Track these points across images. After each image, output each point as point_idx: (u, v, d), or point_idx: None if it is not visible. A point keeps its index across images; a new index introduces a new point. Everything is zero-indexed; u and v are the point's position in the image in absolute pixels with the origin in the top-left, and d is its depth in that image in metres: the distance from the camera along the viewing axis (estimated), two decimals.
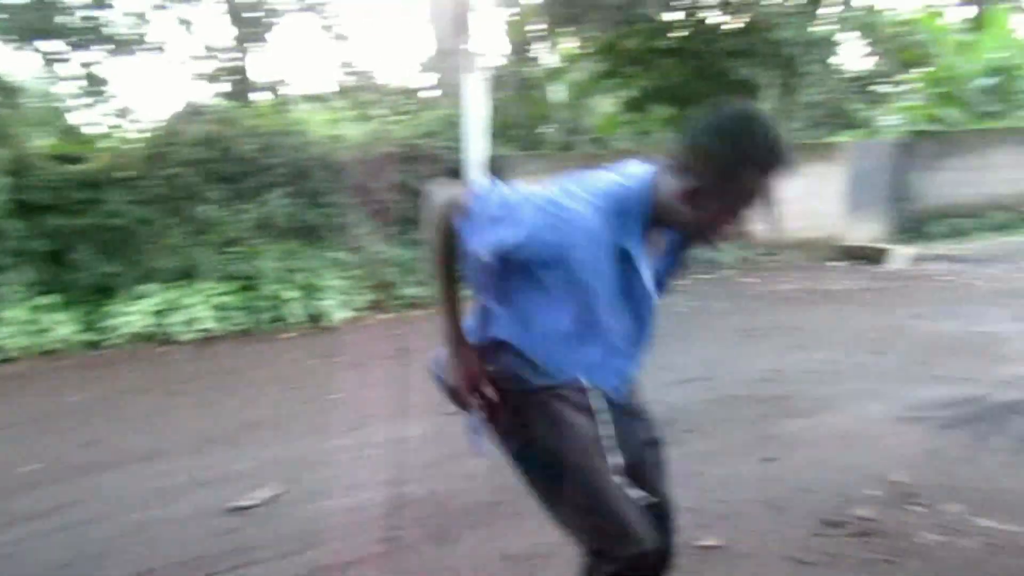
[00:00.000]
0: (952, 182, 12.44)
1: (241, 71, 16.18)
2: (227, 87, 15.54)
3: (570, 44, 13.65)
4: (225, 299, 6.93)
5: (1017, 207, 12.57)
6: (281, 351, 6.29)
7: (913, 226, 11.95)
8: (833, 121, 17.67)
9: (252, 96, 15.25)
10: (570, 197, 1.60)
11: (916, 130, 13.11)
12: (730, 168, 1.51)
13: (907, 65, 15.71)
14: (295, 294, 7.11)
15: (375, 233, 8.18)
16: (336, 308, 7.21)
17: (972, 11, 18.57)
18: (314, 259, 7.55)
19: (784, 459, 3.66)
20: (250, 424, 4.52)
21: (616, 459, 1.73)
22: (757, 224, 1.60)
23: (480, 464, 3.72)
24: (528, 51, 12.75)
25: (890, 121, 14.82)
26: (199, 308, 6.81)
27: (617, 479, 1.73)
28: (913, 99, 16.39)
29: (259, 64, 18.82)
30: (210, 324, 6.79)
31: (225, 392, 5.24)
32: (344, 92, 19.60)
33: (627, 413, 1.85)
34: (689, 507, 3.03)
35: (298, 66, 22.93)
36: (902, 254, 9.86)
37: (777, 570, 2.69)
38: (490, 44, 14.32)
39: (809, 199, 11.08)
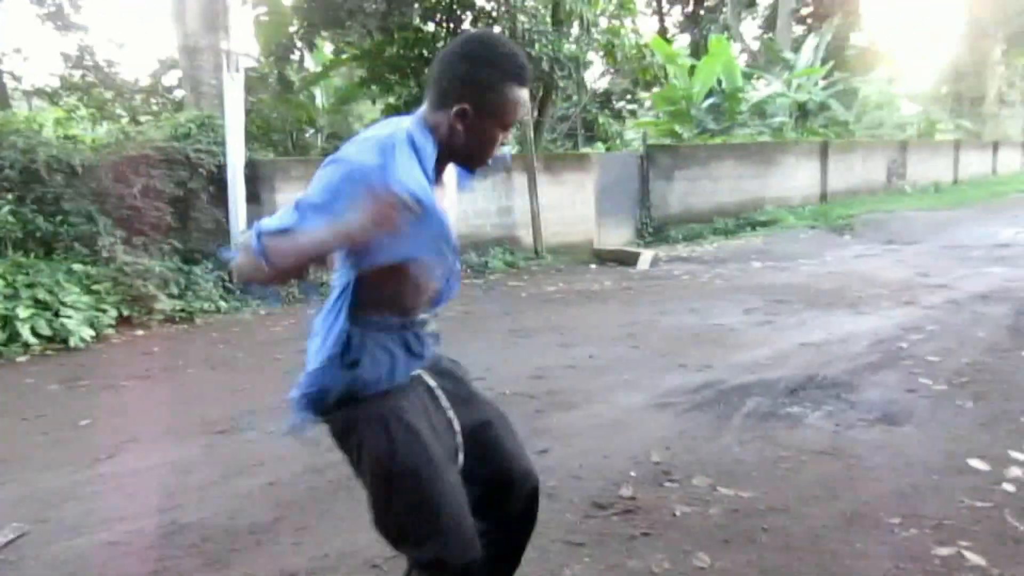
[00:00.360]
0: (686, 191, 13.89)
1: None
2: None
3: (329, 49, 13.44)
4: None
5: (738, 213, 14.30)
6: (15, 377, 5.56)
7: (656, 230, 13.17)
8: (583, 134, 19.02)
9: None
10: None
11: (654, 144, 14.46)
12: (488, 82, 1.64)
13: (644, 85, 17.31)
14: (29, 312, 6.31)
15: (124, 243, 7.50)
16: (80, 326, 6.50)
17: (696, 37, 20.87)
18: (51, 273, 6.75)
19: (556, 450, 3.89)
20: None
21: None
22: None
23: (254, 482, 3.58)
24: (286, 53, 12.35)
25: (631, 135, 16.26)
26: None
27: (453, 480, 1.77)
28: (650, 116, 18.09)
29: None
30: None
31: None
32: (77, 88, 17.77)
33: (454, 398, 1.91)
34: None
35: (21, 57, 20.32)
36: (647, 256, 10.82)
37: (554, 553, 2.85)
38: (245, 43, 13.69)
39: (565, 207, 11.83)
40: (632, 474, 3.56)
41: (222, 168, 8.34)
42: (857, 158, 17.54)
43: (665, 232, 13.15)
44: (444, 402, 1.88)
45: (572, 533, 3.01)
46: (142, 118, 14.39)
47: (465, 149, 1.71)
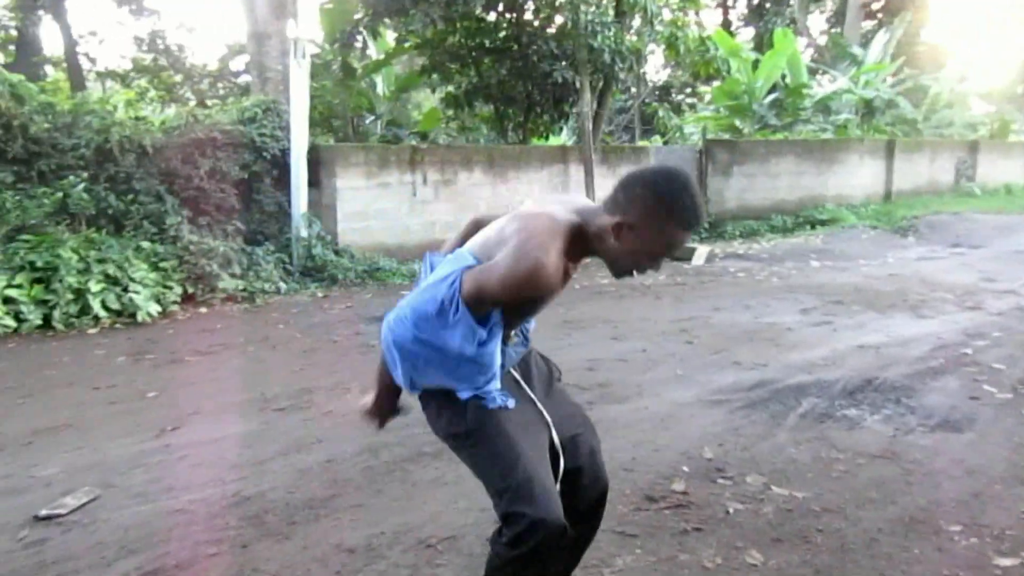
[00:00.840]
0: (744, 187, 13.68)
1: (24, 40, 14.64)
2: (7, 58, 14.05)
3: (392, 37, 13.56)
4: (15, 292, 6.26)
5: (798, 211, 14.03)
6: (85, 349, 5.80)
7: (712, 226, 13.01)
8: (641, 127, 18.86)
9: (41, 70, 13.88)
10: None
11: (712, 138, 14.26)
12: (658, 217, 1.76)
13: (704, 78, 17.07)
14: (100, 287, 6.56)
15: (190, 223, 7.72)
16: (147, 301, 6.74)
17: (760, 31, 20.44)
18: (121, 250, 7.00)
19: (607, 441, 3.84)
20: (49, 428, 4.13)
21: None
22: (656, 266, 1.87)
23: (312, 458, 3.69)
24: (350, 40, 12.52)
25: (690, 129, 16.05)
26: None
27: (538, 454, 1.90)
28: (709, 110, 17.83)
29: (48, 35, 17.11)
30: None
31: (18, 394, 4.76)
32: (148, 71, 18.28)
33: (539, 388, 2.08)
34: None
35: (96, 40, 20.98)
36: (702, 252, 10.70)
37: (605, 543, 2.87)
38: (311, 30, 13.92)
39: None
40: (684, 469, 3.56)
41: (285, 152, 8.53)
42: (924, 158, 17.03)
43: (721, 228, 12.98)
44: (527, 389, 2.04)
45: (624, 524, 3.03)
46: (209, 102, 14.76)
47: (609, 255, 1.85)
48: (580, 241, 1.83)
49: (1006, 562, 2.72)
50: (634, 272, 1.87)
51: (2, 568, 2.71)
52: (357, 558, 2.79)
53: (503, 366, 1.96)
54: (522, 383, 2.04)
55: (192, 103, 14.79)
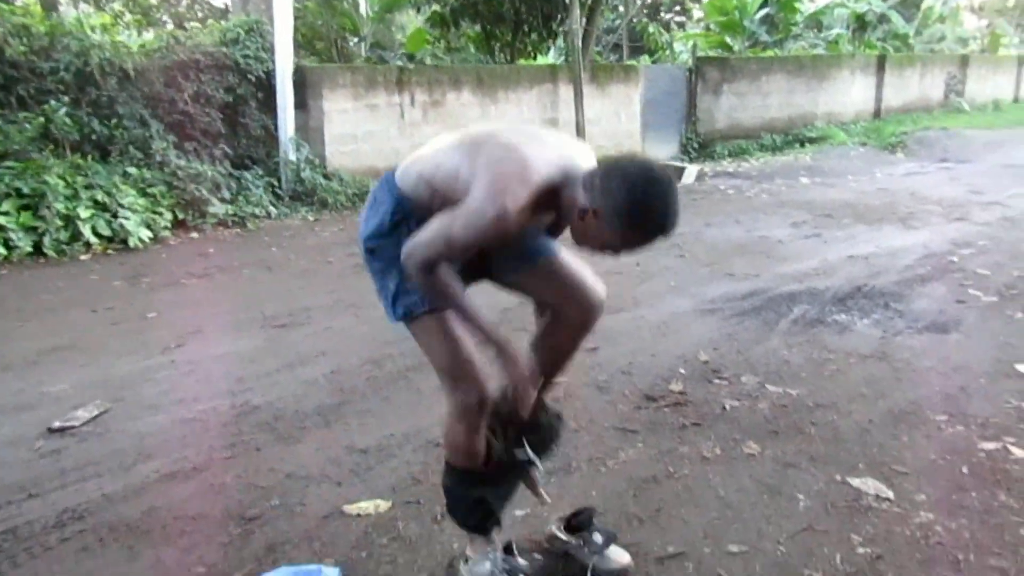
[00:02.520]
0: (734, 106, 13.57)
1: None
2: None
3: None
4: (3, 219, 6.20)
5: (787, 130, 13.96)
6: (79, 274, 5.79)
7: (701, 146, 12.95)
8: (628, 45, 18.52)
9: None
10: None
11: (702, 56, 14.06)
12: (624, 222, 1.69)
13: None
14: (89, 213, 6.51)
15: (176, 148, 7.62)
16: (138, 227, 6.69)
17: None
18: (108, 176, 6.91)
19: (605, 349, 3.98)
20: (53, 349, 4.17)
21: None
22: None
23: (317, 370, 3.76)
24: None
25: (680, 48, 15.80)
26: None
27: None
28: (698, 29, 17.51)
29: None
30: None
31: (17, 318, 4.77)
32: None
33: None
34: None
35: None
36: (692, 171, 10.69)
37: (608, 439, 2.98)
38: None
39: (610, 120, 11.68)
40: (681, 371, 3.66)
41: (270, 74, 8.35)
42: (915, 73, 16.89)
43: (711, 148, 12.92)
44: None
45: (625, 422, 3.13)
46: (187, 25, 14.34)
47: (572, 228, 1.81)
48: (549, 199, 1.77)
49: (989, 446, 2.85)
50: (588, 249, 1.83)
51: (23, 475, 2.79)
52: (369, 457, 2.89)
53: None
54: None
55: (170, 27, 14.37)
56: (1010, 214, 7.37)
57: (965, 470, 2.69)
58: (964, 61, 18.56)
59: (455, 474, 2.08)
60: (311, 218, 7.89)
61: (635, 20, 15.79)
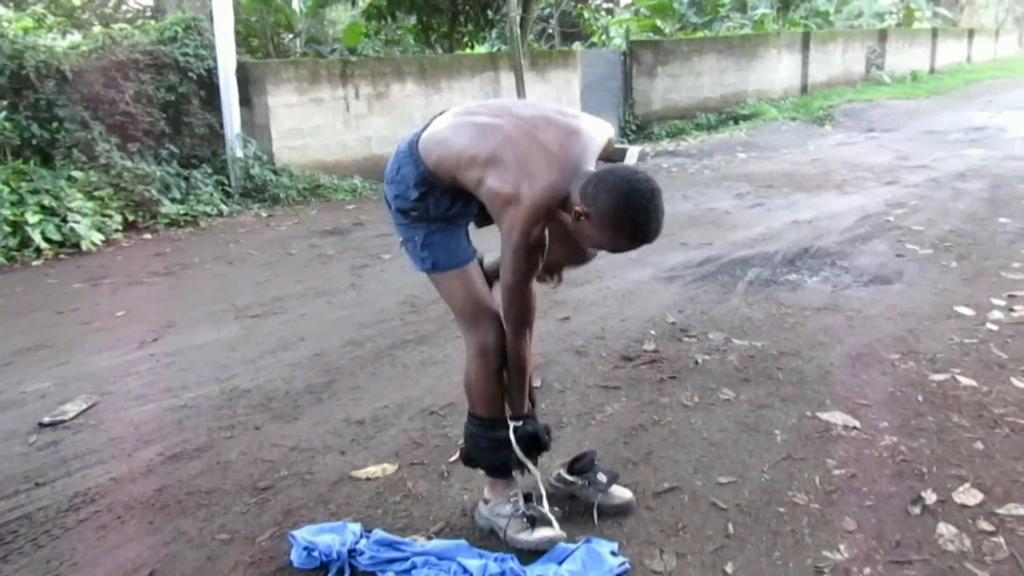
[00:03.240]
0: (668, 88, 13.90)
1: None
2: None
3: None
4: None
5: (721, 108, 14.37)
6: (35, 279, 5.70)
7: (639, 128, 13.24)
8: (559, 30, 18.73)
9: None
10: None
11: (636, 40, 14.36)
12: (609, 228, 1.85)
13: None
14: (37, 218, 6.39)
15: (120, 149, 7.51)
16: (88, 230, 6.59)
17: None
18: (53, 180, 6.78)
19: (576, 318, 4.17)
20: (27, 349, 4.14)
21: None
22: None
23: (300, 354, 3.84)
24: None
25: (613, 32, 16.07)
26: None
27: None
28: (627, 14, 17.84)
29: None
30: None
31: None
32: None
33: None
34: None
35: None
36: (634, 152, 10.95)
37: (593, 396, 3.16)
38: None
39: (552, 104, 11.82)
40: (652, 332, 3.86)
41: (212, 72, 8.28)
42: (837, 49, 17.53)
43: (649, 129, 13.22)
44: None
45: (606, 380, 3.31)
46: (116, 26, 13.94)
47: (570, 227, 1.95)
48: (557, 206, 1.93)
49: (939, 377, 3.12)
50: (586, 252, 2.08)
51: (25, 466, 2.82)
52: (367, 427, 3.00)
53: None
54: None
55: (96, 27, 13.98)
56: (936, 175, 7.81)
57: (920, 399, 2.95)
58: (883, 35, 19.33)
59: (476, 420, 2.24)
60: (264, 214, 7.87)
61: (569, 6, 16.00)
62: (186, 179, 7.83)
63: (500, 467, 2.24)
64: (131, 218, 7.17)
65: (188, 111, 8.28)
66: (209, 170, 8.12)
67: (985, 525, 2.15)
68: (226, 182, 8.18)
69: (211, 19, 8.34)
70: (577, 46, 16.69)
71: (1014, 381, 3.05)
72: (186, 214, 7.49)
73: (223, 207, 7.85)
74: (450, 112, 2.15)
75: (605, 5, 24.55)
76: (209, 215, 7.63)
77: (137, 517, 2.45)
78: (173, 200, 7.49)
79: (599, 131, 2.07)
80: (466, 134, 2.01)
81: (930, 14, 24.20)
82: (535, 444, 2.24)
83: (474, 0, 11.58)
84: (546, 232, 2.02)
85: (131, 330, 4.40)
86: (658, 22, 15.89)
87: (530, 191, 1.87)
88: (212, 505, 2.50)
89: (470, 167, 1.96)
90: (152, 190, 7.28)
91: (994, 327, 3.65)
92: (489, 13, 12.07)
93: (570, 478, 2.36)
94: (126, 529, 2.39)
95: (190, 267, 5.87)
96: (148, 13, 13.88)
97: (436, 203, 2.10)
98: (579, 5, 15.85)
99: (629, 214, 1.82)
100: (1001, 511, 2.21)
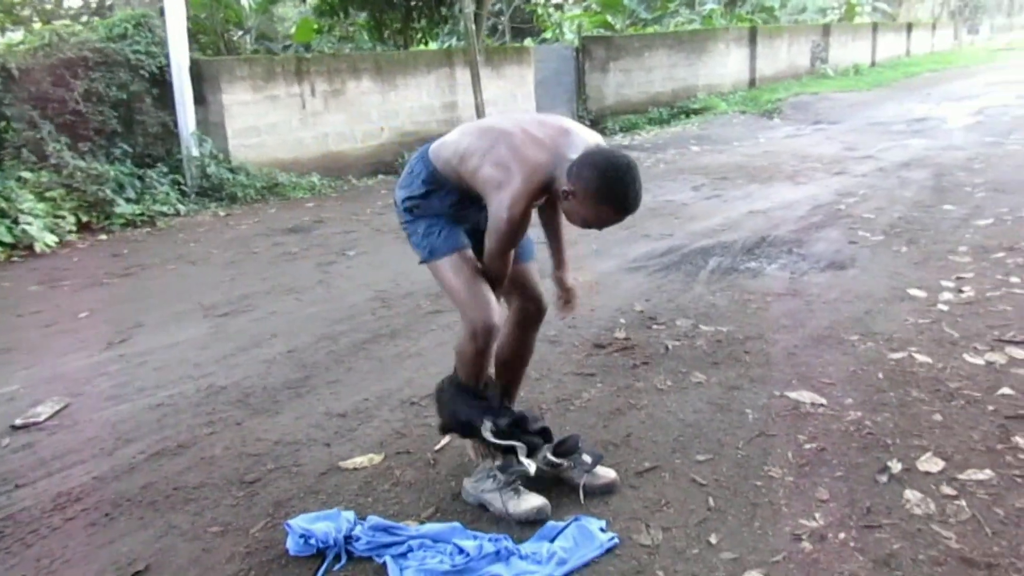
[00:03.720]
0: (621, 83, 14.08)
1: None
2: None
3: None
4: None
5: (672, 102, 14.61)
6: None
7: (593, 123, 13.38)
8: (510, 25, 18.80)
9: None
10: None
11: (588, 36, 14.51)
12: (594, 200, 2.05)
13: None
14: None
15: (71, 149, 7.35)
16: (41, 232, 6.45)
17: None
18: (3, 180, 6.61)
19: (548, 308, 4.23)
20: None
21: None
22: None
23: (274, 351, 3.85)
24: None
25: (568, 27, 16.22)
26: None
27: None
28: (577, 9, 17.99)
29: None
30: None
31: None
32: None
33: None
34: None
35: None
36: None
37: (569, 383, 3.24)
38: None
39: (507, 101, 11.91)
40: (621, 321, 3.96)
41: (164, 69, 8.15)
42: (783, 43, 17.95)
43: (603, 124, 13.37)
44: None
45: (581, 367, 3.40)
46: (58, 23, 13.58)
47: (563, 208, 2.18)
48: (545, 188, 2.13)
49: (897, 355, 3.28)
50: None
51: (1, 468, 2.79)
52: (350, 420, 3.04)
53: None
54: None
55: (37, 24, 13.59)
56: (882, 165, 8.10)
57: (880, 376, 3.10)
58: (826, 30, 19.85)
59: (456, 382, 2.41)
60: (222, 213, 7.78)
61: (520, 1, 16.09)
62: (141, 179, 7.70)
63: (464, 426, 2.40)
64: (85, 219, 7.03)
65: (141, 109, 8.13)
66: (164, 169, 7.99)
67: (948, 490, 2.29)
68: (182, 181, 8.07)
69: (162, 16, 8.21)
70: (528, 42, 16.80)
71: (966, 357, 3.23)
72: (142, 214, 7.37)
73: (180, 207, 7.74)
74: (462, 125, 2.42)
75: (554, 1, 24.74)
76: (166, 215, 7.51)
77: (126, 514, 2.45)
78: (128, 200, 7.36)
79: (589, 134, 2.26)
80: (470, 135, 2.27)
81: (870, 8, 24.90)
82: (512, 434, 2.38)
83: None
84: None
85: (97, 331, 4.34)
86: (609, 18, 16.06)
87: (520, 172, 2.08)
88: (201, 499, 2.51)
89: (470, 158, 2.19)
90: (106, 190, 7.15)
91: (945, 307, 3.83)
92: (443, 9, 12.08)
93: (556, 460, 2.44)
94: (116, 525, 2.39)
95: (150, 267, 5.79)
96: (92, 10, 13.54)
97: (441, 200, 2.33)
98: (531, 1, 15.91)
99: (611, 185, 2.03)
100: (962, 476, 2.35)
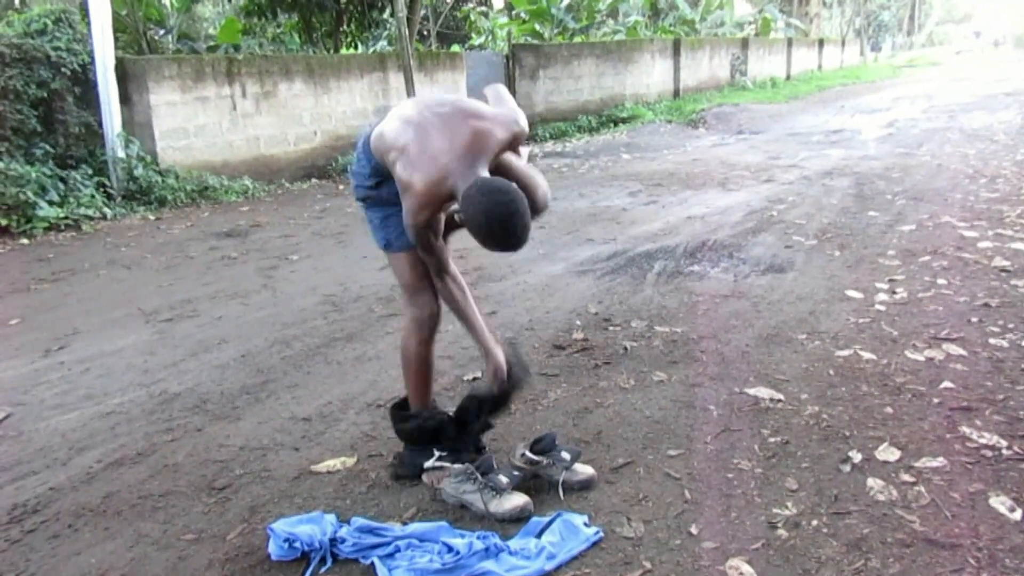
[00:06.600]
0: (550, 90, 14.27)
1: None
2: None
3: None
4: None
5: (600, 111, 14.88)
6: None
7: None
8: (442, 32, 18.82)
9: None
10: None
11: (518, 43, 14.64)
12: (482, 238, 2.08)
13: None
14: None
15: None
16: None
17: None
18: None
19: (501, 311, 4.28)
20: None
21: None
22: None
23: (226, 355, 3.76)
24: None
25: (498, 34, 16.34)
26: None
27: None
28: (503, 18, 18.13)
29: None
30: None
31: None
32: None
33: None
34: (449, 355, 3.51)
35: None
36: (524, 152, 11.15)
37: (534, 384, 3.27)
38: None
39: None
40: (577, 322, 4.02)
41: (87, 67, 7.83)
42: (705, 55, 18.51)
43: (533, 131, 13.49)
44: None
45: (544, 368, 3.44)
46: None
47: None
48: (452, 197, 2.16)
49: (844, 353, 3.44)
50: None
51: None
52: (315, 424, 2.99)
53: None
54: None
55: None
56: (807, 173, 8.45)
57: (831, 372, 3.24)
58: (745, 43, 20.57)
59: (401, 410, 2.59)
60: (152, 217, 7.52)
61: (443, 7, 16.12)
62: (63, 180, 7.38)
63: (431, 438, 2.53)
64: (4, 223, 6.70)
65: (62, 109, 7.79)
66: (88, 171, 7.67)
67: (906, 477, 2.42)
68: (107, 183, 7.77)
69: (84, 12, 7.90)
70: (456, 48, 16.85)
71: (908, 353, 3.41)
72: (66, 217, 7.06)
73: (106, 210, 7.45)
74: (396, 106, 2.39)
75: (479, 8, 24.87)
76: (91, 218, 7.22)
77: (90, 524, 2.36)
78: (51, 203, 7.05)
79: (504, 130, 2.24)
80: (396, 121, 2.26)
81: (783, 24, 25.92)
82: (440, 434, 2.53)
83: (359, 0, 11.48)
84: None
85: (31, 338, 4.15)
86: (537, 26, 16.25)
87: (421, 182, 2.12)
88: (169, 507, 2.44)
89: (390, 153, 2.23)
90: (27, 192, 6.83)
91: (882, 307, 4.04)
92: (374, 13, 12.00)
93: (535, 457, 2.46)
94: (81, 536, 2.30)
95: (80, 272, 5.56)
96: (4, 3, 12.88)
97: (390, 189, 2.33)
98: (462, 7, 15.96)
99: (490, 231, 2.05)
100: (918, 464, 2.49)
